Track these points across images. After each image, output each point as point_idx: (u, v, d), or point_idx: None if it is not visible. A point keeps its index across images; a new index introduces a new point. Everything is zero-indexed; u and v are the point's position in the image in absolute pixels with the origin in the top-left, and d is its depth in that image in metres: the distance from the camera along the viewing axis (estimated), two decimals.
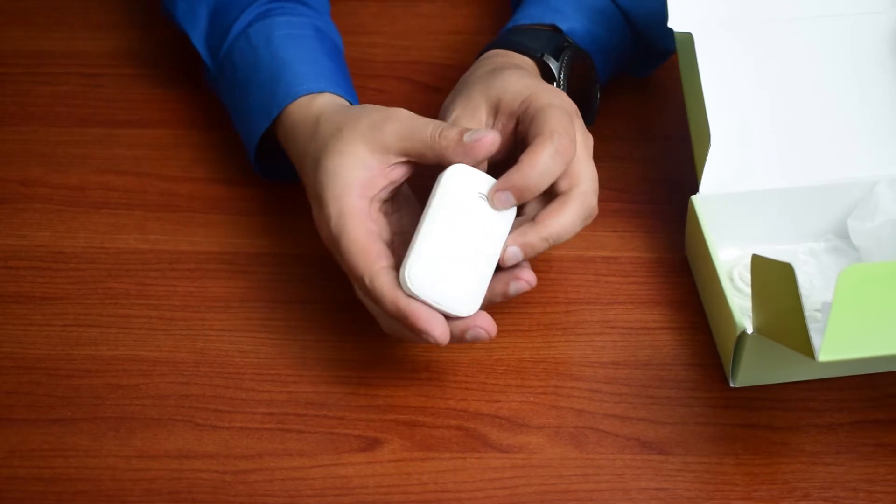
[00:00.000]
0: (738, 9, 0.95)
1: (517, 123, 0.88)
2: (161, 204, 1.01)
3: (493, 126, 0.89)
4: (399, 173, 0.87)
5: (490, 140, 0.85)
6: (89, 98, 1.09)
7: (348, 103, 0.95)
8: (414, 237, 0.84)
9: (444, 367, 0.91)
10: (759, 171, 0.95)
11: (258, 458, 0.86)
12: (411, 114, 0.87)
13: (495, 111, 0.89)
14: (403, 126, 0.86)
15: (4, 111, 1.08)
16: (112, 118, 1.08)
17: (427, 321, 0.83)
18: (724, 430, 0.88)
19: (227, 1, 1.02)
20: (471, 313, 0.84)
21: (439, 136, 0.85)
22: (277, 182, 1.01)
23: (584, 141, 0.89)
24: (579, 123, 0.89)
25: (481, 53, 0.98)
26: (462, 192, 0.85)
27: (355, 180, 0.86)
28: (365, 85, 1.10)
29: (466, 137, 0.85)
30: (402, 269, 0.83)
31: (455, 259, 0.84)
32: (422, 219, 0.84)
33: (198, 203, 1.01)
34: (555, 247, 0.87)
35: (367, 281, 0.84)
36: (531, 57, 0.96)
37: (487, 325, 0.84)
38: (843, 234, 0.96)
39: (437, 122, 0.86)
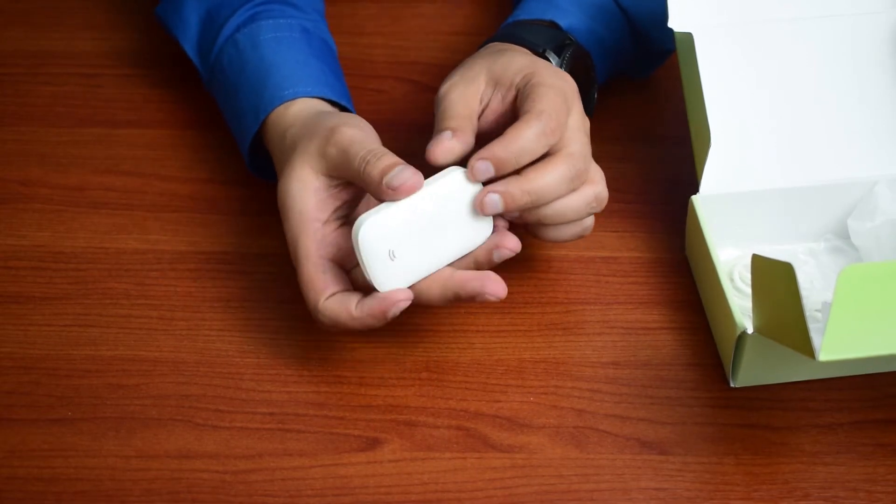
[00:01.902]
0: (738, 9, 0.95)
1: (517, 96, 0.89)
2: (161, 204, 1.01)
3: (492, 97, 0.89)
4: (348, 193, 0.88)
5: (410, 183, 0.83)
6: (89, 98, 1.09)
7: (327, 106, 0.95)
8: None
9: (444, 367, 0.91)
10: (759, 171, 0.95)
11: (258, 458, 0.86)
12: (353, 136, 0.86)
13: (495, 83, 0.89)
14: (340, 153, 0.86)
15: (4, 111, 1.08)
16: (112, 118, 1.08)
17: (386, 301, 0.84)
18: (724, 430, 0.88)
19: (216, 7, 1.02)
20: (384, 290, 0.84)
21: (363, 171, 0.85)
22: (275, 182, 1.01)
23: (580, 120, 0.89)
24: (577, 105, 0.89)
25: (482, 46, 0.98)
26: (448, 188, 0.85)
27: (307, 206, 0.87)
28: (364, 86, 1.10)
29: (385, 181, 0.83)
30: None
31: (409, 234, 0.84)
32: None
33: (198, 203, 1.01)
34: (557, 244, 0.86)
35: (320, 317, 0.86)
36: (533, 51, 0.96)
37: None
38: (843, 234, 0.96)
39: (367, 151, 0.85)
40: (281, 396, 0.89)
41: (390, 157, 0.84)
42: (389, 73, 1.12)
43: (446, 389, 0.90)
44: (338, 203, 0.88)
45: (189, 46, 1.04)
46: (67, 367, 0.91)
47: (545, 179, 0.86)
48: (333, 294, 0.86)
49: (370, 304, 0.84)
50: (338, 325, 0.86)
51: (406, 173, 0.83)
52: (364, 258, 0.84)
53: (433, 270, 0.86)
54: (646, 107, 1.09)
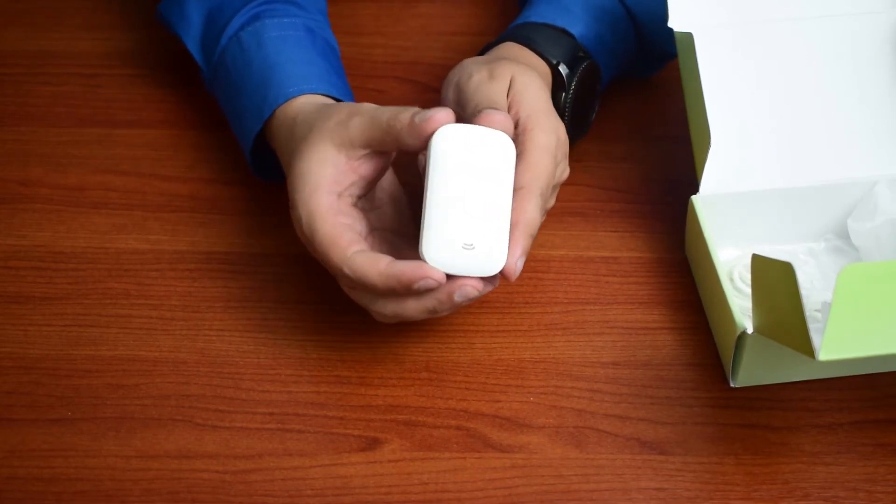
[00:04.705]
0: (738, 9, 0.95)
1: (515, 124, 0.89)
2: (161, 204, 1.01)
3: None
4: (368, 167, 0.88)
5: (442, 118, 0.84)
6: (89, 98, 1.09)
7: (330, 101, 0.95)
8: (422, 212, 0.84)
9: (444, 367, 0.91)
10: (759, 171, 0.95)
11: (258, 458, 0.86)
12: (376, 106, 0.87)
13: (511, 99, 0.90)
14: (365, 118, 0.86)
15: (4, 111, 1.08)
16: (111, 118, 1.08)
17: (420, 270, 0.83)
18: (724, 430, 0.88)
19: (219, 5, 1.02)
20: (500, 269, 0.84)
21: (394, 120, 0.85)
22: (275, 182, 1.01)
23: (559, 174, 0.90)
24: (564, 160, 0.91)
25: (495, 43, 0.98)
26: (454, 150, 0.84)
27: (323, 179, 0.86)
28: (364, 86, 1.10)
29: (417, 119, 0.84)
30: (419, 249, 0.83)
31: (467, 221, 0.83)
32: (424, 191, 0.84)
33: (198, 203, 1.01)
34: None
35: (345, 270, 0.85)
36: (547, 62, 0.96)
37: (475, 283, 0.84)
38: (843, 234, 0.96)
39: (395, 108, 0.86)
40: (281, 396, 0.89)
41: (417, 107, 0.86)
42: (389, 73, 1.12)
43: (446, 389, 0.90)
44: (354, 178, 0.87)
45: (192, 44, 1.03)
46: (67, 367, 0.91)
47: (529, 214, 0.86)
48: (360, 251, 0.85)
49: (402, 267, 0.83)
50: (364, 282, 0.84)
51: (433, 110, 0.84)
52: (457, 272, 0.83)
53: (506, 218, 0.84)
54: (646, 107, 1.09)
